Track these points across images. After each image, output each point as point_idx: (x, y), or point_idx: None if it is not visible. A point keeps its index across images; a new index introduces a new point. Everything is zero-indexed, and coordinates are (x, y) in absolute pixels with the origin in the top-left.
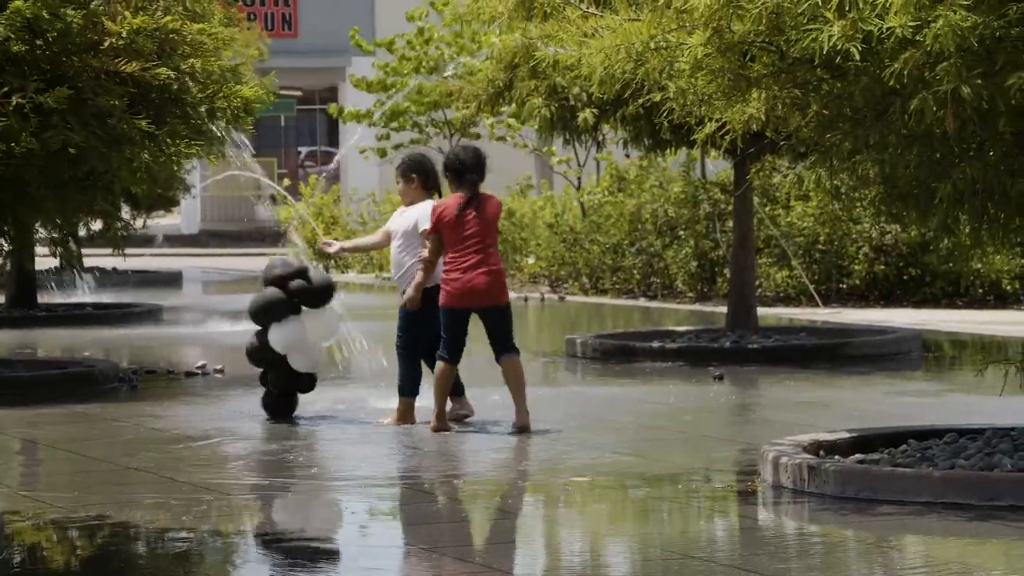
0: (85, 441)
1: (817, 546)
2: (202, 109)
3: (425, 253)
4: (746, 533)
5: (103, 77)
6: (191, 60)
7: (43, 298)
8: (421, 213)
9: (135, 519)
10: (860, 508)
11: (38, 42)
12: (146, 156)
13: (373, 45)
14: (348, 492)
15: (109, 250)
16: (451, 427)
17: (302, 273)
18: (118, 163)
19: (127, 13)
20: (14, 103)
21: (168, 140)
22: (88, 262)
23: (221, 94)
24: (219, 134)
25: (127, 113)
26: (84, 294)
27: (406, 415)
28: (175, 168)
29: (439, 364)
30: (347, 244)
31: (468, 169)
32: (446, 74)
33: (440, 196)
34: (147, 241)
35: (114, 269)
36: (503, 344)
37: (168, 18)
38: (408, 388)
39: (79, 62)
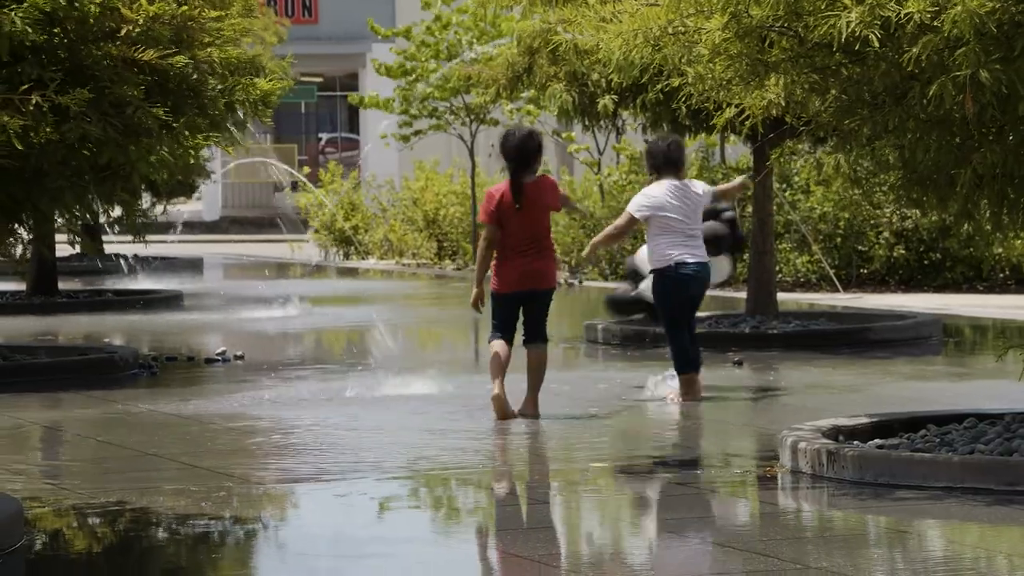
0: (105, 427)
1: (836, 531)
2: (221, 103)
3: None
4: (765, 518)
5: (121, 66)
6: (209, 49)
7: (78, 285)
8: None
9: (155, 505)
10: (879, 493)
11: (55, 30)
12: (164, 150)
13: (391, 33)
14: (356, 483)
15: (130, 237)
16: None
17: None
18: (136, 156)
19: (143, 1)
20: (34, 102)
21: (186, 132)
22: (109, 249)
23: (240, 86)
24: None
25: (145, 103)
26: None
27: (689, 390)
28: (192, 160)
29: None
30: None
31: (506, 157)
32: (461, 58)
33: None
34: (167, 228)
35: (135, 256)
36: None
37: (184, 8)
38: (680, 364)
39: (97, 51)
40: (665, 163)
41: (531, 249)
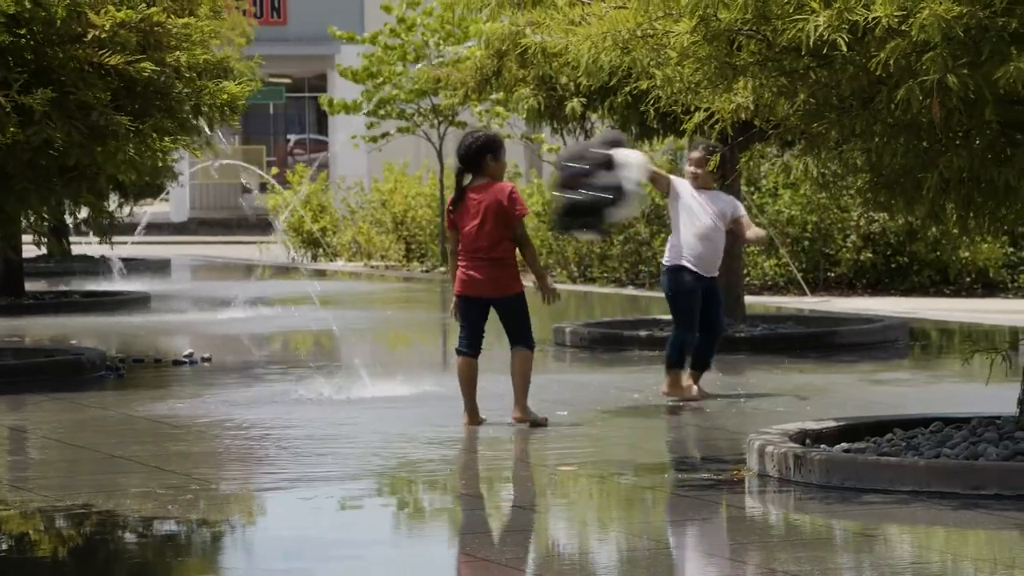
0: (72, 429)
1: (802, 535)
2: (188, 107)
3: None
4: (731, 522)
5: (87, 69)
6: (176, 53)
7: (45, 286)
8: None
9: (122, 508)
10: (846, 497)
11: (21, 31)
12: (130, 150)
13: (352, 36)
14: (322, 486)
15: (96, 239)
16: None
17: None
18: (102, 157)
19: (111, 6)
20: None
21: (153, 134)
22: (76, 250)
23: (207, 90)
24: (205, 130)
25: (111, 107)
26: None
27: (675, 386)
28: (159, 162)
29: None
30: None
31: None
32: (428, 61)
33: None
34: (135, 229)
35: (102, 257)
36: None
37: (152, 10)
38: (672, 360)
39: (63, 54)
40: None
41: (476, 255)
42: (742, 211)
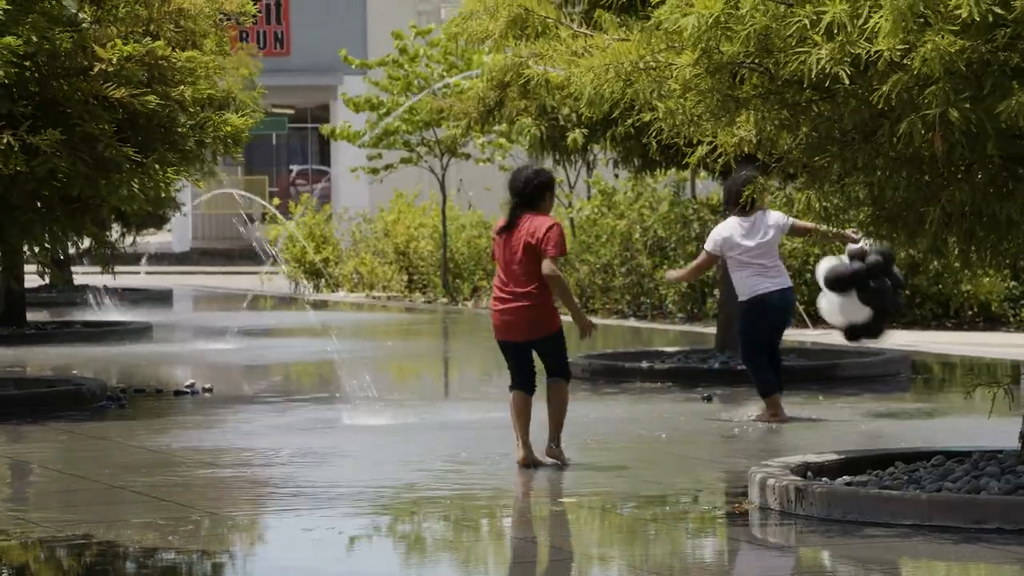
0: (73, 460)
1: (804, 568)
2: (192, 140)
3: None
4: (733, 555)
5: (92, 102)
6: (181, 88)
7: (47, 316)
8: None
9: (122, 539)
10: (847, 530)
11: (27, 64)
12: (135, 185)
13: (362, 65)
14: (324, 517)
15: (98, 269)
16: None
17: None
18: (107, 190)
19: (117, 40)
20: (5, 141)
21: (156, 167)
22: (78, 281)
23: (210, 123)
24: (208, 161)
25: (115, 139)
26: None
27: (776, 411)
28: (162, 193)
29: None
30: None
31: (511, 192)
32: (431, 91)
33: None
34: (137, 259)
35: (104, 287)
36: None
37: (158, 44)
38: (763, 388)
39: (68, 86)
40: (727, 200)
41: (504, 293)
42: (784, 218)
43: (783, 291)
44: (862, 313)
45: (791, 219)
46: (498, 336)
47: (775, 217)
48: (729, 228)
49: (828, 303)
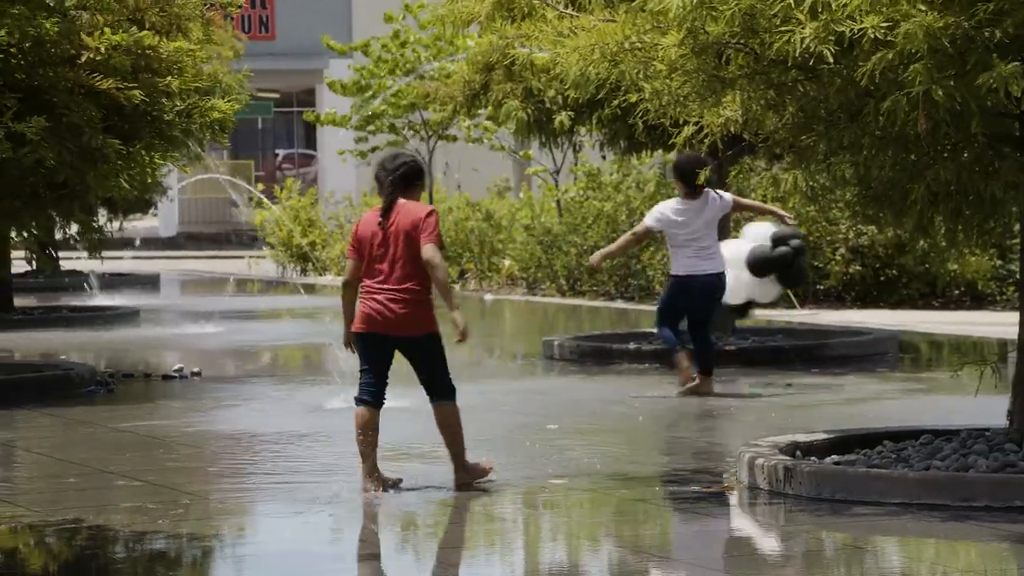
0: (62, 445)
1: (793, 548)
2: (178, 128)
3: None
4: (721, 535)
5: (79, 92)
6: (168, 78)
7: (34, 301)
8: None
9: (112, 523)
10: (836, 509)
11: (12, 50)
12: (121, 176)
13: (348, 48)
14: (313, 500)
15: (85, 254)
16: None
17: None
18: (94, 181)
19: (106, 29)
20: None
21: (143, 153)
22: (65, 266)
23: (197, 110)
24: (195, 148)
25: (101, 127)
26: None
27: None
28: (148, 180)
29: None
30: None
31: (384, 175)
32: (417, 74)
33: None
34: (124, 244)
35: (91, 272)
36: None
37: (144, 33)
38: (671, 349)
39: (54, 75)
40: (679, 178)
41: (378, 285)
42: (728, 197)
43: (718, 275)
44: (772, 294)
45: (732, 197)
46: (366, 328)
47: (716, 198)
48: (671, 207)
49: (738, 281)
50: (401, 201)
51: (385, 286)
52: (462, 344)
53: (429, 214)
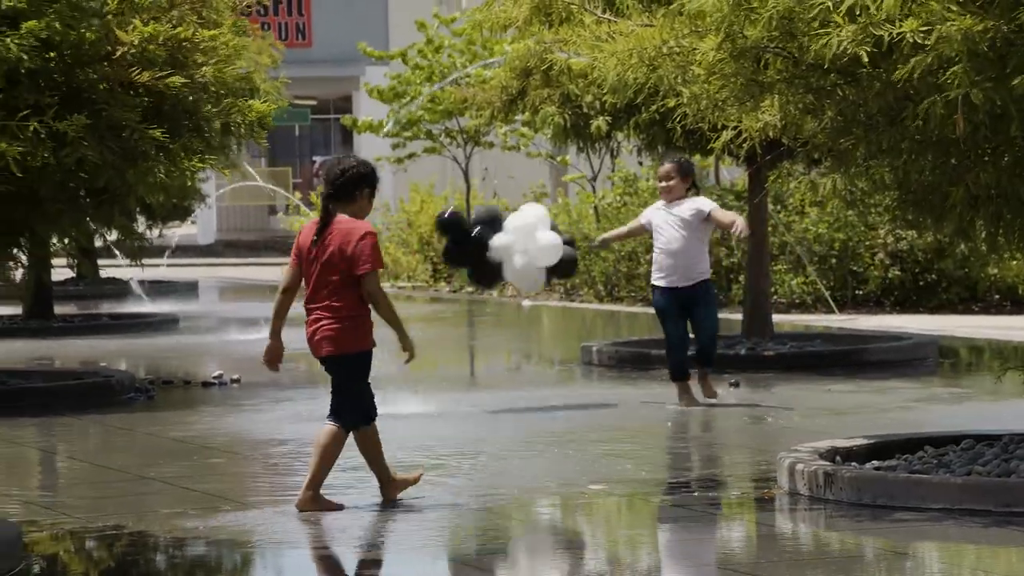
0: (102, 451)
1: (834, 553)
2: (217, 125)
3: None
4: (762, 540)
5: (117, 89)
6: (204, 69)
7: (74, 308)
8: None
9: (152, 529)
10: (877, 515)
11: (51, 55)
12: (160, 172)
13: (384, 55)
14: (354, 506)
15: (125, 261)
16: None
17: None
18: (134, 179)
19: (138, 22)
20: (32, 128)
21: (182, 154)
22: (104, 273)
23: (236, 108)
24: (233, 148)
25: (141, 125)
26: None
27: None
28: (189, 182)
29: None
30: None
31: (325, 184)
32: (453, 79)
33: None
34: (162, 251)
35: (132, 279)
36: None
37: (180, 29)
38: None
39: (93, 74)
40: (687, 177)
41: (311, 305)
42: (708, 207)
43: (671, 288)
44: (537, 285)
45: (711, 210)
46: (313, 353)
47: (692, 206)
48: (651, 209)
49: (527, 269)
50: (340, 218)
51: (310, 306)
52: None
53: (363, 236)
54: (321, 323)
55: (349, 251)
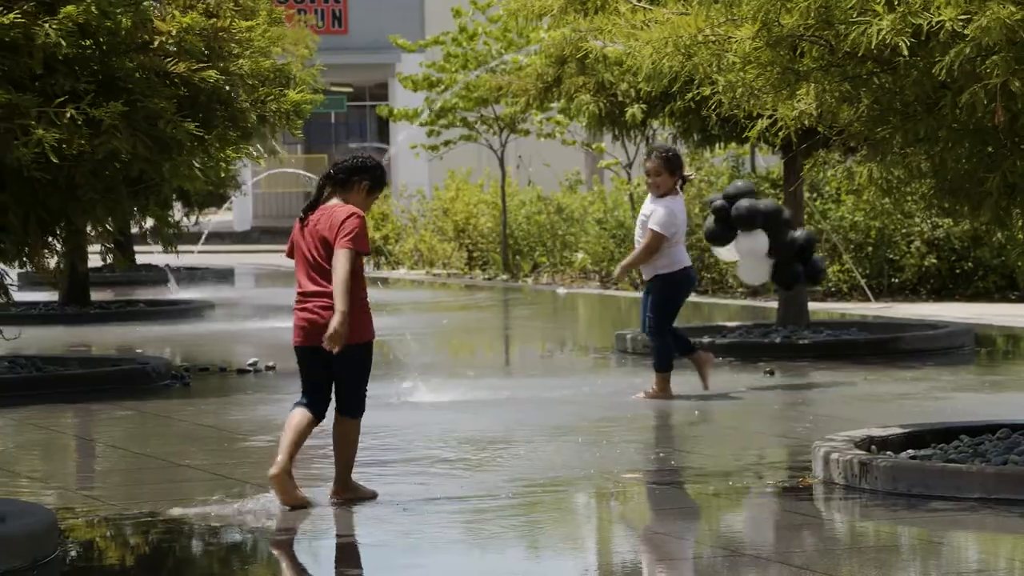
0: (137, 438)
1: (869, 542)
2: (252, 116)
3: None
4: (798, 529)
5: (153, 78)
6: (240, 61)
7: (110, 295)
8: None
9: (188, 516)
10: (912, 504)
11: (87, 42)
12: (196, 164)
13: (418, 45)
14: (390, 495)
15: (159, 248)
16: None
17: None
18: (169, 172)
19: (176, 12)
20: (68, 115)
21: (217, 144)
22: (140, 260)
23: (271, 98)
24: (269, 138)
25: (176, 116)
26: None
27: (664, 389)
28: (224, 172)
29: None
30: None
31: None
32: (490, 67)
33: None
34: (198, 239)
35: (167, 266)
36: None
37: (215, 20)
38: (662, 364)
39: (129, 63)
40: (673, 171)
41: (303, 291)
42: (652, 223)
43: (647, 281)
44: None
45: (651, 227)
46: (295, 340)
47: (652, 211)
48: (677, 207)
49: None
50: (332, 203)
51: (304, 292)
52: (329, 347)
53: (349, 216)
54: (320, 308)
55: (335, 232)
